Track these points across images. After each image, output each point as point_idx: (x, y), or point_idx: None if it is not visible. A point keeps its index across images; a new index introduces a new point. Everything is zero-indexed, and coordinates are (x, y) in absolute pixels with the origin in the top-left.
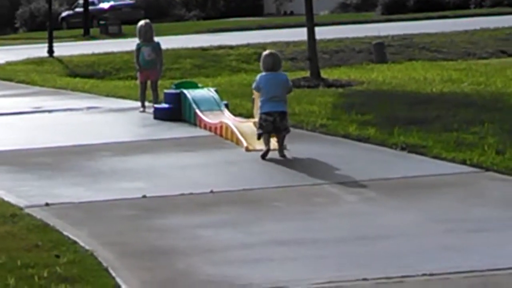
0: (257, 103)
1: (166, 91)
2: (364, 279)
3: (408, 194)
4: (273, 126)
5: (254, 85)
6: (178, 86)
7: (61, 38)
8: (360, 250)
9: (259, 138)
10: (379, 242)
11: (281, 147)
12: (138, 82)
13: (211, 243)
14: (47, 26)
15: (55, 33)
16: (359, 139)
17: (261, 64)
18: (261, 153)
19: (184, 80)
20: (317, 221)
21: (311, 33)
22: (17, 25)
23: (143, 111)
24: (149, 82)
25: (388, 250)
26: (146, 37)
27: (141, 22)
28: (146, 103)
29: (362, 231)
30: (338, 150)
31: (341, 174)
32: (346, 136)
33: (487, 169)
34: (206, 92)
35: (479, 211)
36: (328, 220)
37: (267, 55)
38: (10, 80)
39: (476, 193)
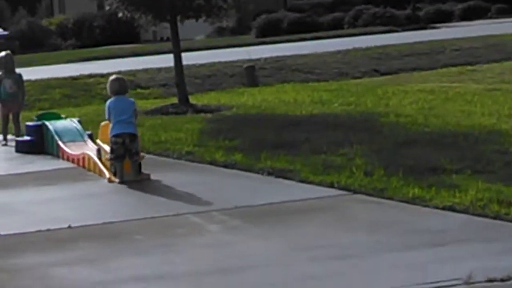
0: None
1: (27, 123)
2: None
3: (273, 221)
4: (124, 148)
5: (106, 113)
6: (40, 117)
7: None
8: (221, 283)
9: (111, 164)
10: (241, 274)
11: (137, 172)
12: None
13: (65, 282)
14: None
15: None
16: (226, 165)
17: (108, 89)
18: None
19: (46, 111)
20: (179, 254)
21: (177, 59)
22: None
23: (5, 144)
24: (11, 115)
25: (250, 282)
26: (7, 68)
27: (2, 53)
28: (9, 136)
29: (224, 262)
30: (204, 178)
31: (205, 203)
32: (213, 162)
33: (355, 192)
34: (69, 123)
35: (346, 236)
36: (189, 252)
37: (113, 80)
38: None
39: (344, 217)
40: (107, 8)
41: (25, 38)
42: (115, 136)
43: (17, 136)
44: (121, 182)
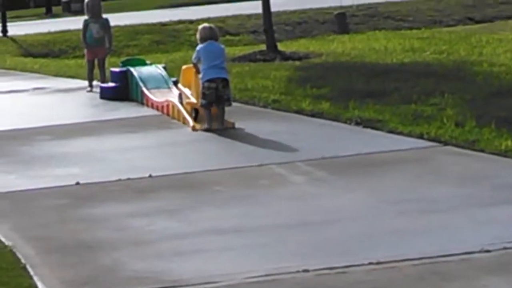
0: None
1: (112, 69)
2: (305, 271)
3: (360, 173)
4: (216, 94)
5: (194, 56)
6: (125, 63)
7: (23, 17)
8: (303, 237)
9: (197, 113)
10: (324, 228)
11: (222, 119)
12: (85, 60)
13: (142, 234)
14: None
15: (18, 12)
16: (313, 114)
17: (198, 36)
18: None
19: (132, 57)
20: (260, 206)
21: (266, 5)
22: None
23: (90, 91)
24: (96, 61)
25: (333, 237)
26: (94, 13)
27: None
28: (94, 82)
29: (307, 216)
30: (290, 127)
31: (290, 153)
32: (299, 111)
33: (446, 143)
34: (154, 70)
35: (435, 190)
36: (271, 204)
37: (204, 27)
38: None
39: (433, 169)
40: None
41: None
42: (208, 81)
43: (103, 82)
44: (208, 129)
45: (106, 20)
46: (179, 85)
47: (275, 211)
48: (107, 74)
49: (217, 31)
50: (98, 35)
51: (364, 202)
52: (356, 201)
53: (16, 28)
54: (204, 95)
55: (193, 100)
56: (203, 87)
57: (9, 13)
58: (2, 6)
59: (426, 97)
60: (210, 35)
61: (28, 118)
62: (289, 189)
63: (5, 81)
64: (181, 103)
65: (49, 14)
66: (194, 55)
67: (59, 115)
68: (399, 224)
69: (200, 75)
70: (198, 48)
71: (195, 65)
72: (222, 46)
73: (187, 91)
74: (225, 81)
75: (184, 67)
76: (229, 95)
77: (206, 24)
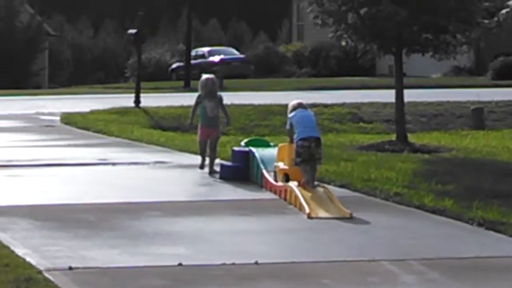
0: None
1: (234, 148)
2: None
3: (478, 277)
4: (309, 152)
5: (287, 125)
6: (248, 144)
7: (162, 89)
8: None
9: (288, 179)
10: None
11: (314, 179)
12: (197, 140)
13: None
14: (136, 76)
15: (158, 83)
16: (434, 211)
17: (289, 110)
18: (302, 183)
19: (255, 137)
20: None
21: (399, 94)
22: (127, 75)
23: (202, 167)
24: (208, 142)
25: None
26: (210, 91)
27: (205, 76)
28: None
29: None
30: (409, 222)
31: (405, 250)
32: (420, 206)
33: None
34: (276, 152)
35: None
36: None
37: (293, 102)
38: (88, 129)
39: None
40: (330, 35)
41: (261, 62)
42: (302, 139)
43: (210, 168)
44: (308, 182)
45: (221, 97)
46: (275, 163)
47: None
48: (228, 153)
49: (304, 103)
50: (213, 114)
51: None
52: None
53: (151, 100)
54: (298, 153)
55: (285, 166)
56: (297, 146)
57: (148, 84)
58: (136, 77)
59: None
60: (298, 106)
61: (142, 192)
62: None
63: (129, 152)
64: (276, 180)
65: (187, 88)
66: (287, 124)
67: (174, 191)
68: None
69: (294, 138)
70: (289, 115)
71: (289, 132)
72: (312, 112)
73: (280, 164)
74: (317, 140)
75: (280, 144)
76: (321, 154)
77: (296, 101)
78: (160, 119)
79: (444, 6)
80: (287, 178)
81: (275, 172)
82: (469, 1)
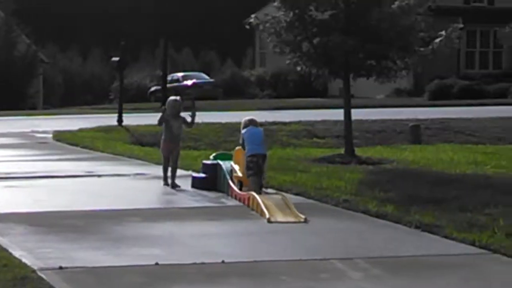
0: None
1: (204, 161)
2: None
3: (414, 274)
4: (257, 167)
5: (240, 139)
6: (216, 157)
7: (141, 109)
8: None
9: (242, 185)
10: None
11: (261, 186)
12: (160, 152)
13: None
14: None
15: (140, 104)
16: (377, 215)
17: (242, 125)
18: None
19: (222, 152)
20: None
21: (347, 113)
22: (111, 97)
23: (166, 184)
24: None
25: None
26: (175, 113)
27: (173, 98)
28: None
29: None
30: (355, 225)
31: (352, 250)
32: (366, 211)
33: (495, 251)
34: None
35: None
36: None
37: (245, 119)
38: (76, 145)
39: (480, 275)
40: (287, 62)
41: (228, 86)
42: (251, 156)
43: (173, 181)
44: (255, 191)
45: (184, 118)
46: (232, 163)
47: None
48: (200, 165)
49: (255, 120)
50: (178, 132)
51: None
52: None
53: (132, 119)
54: (248, 167)
55: (240, 174)
56: (247, 161)
57: (130, 105)
58: (119, 99)
59: (482, 207)
60: (249, 122)
61: (124, 201)
62: (347, 284)
63: (112, 165)
64: (231, 176)
65: (164, 108)
66: (240, 138)
67: (152, 199)
68: None
69: (246, 152)
70: (242, 131)
71: (242, 145)
72: (261, 129)
73: (236, 167)
74: (264, 156)
75: (236, 148)
76: (265, 167)
77: (247, 117)
78: (140, 136)
79: (386, 36)
80: (241, 185)
81: (231, 171)
82: (407, 32)
